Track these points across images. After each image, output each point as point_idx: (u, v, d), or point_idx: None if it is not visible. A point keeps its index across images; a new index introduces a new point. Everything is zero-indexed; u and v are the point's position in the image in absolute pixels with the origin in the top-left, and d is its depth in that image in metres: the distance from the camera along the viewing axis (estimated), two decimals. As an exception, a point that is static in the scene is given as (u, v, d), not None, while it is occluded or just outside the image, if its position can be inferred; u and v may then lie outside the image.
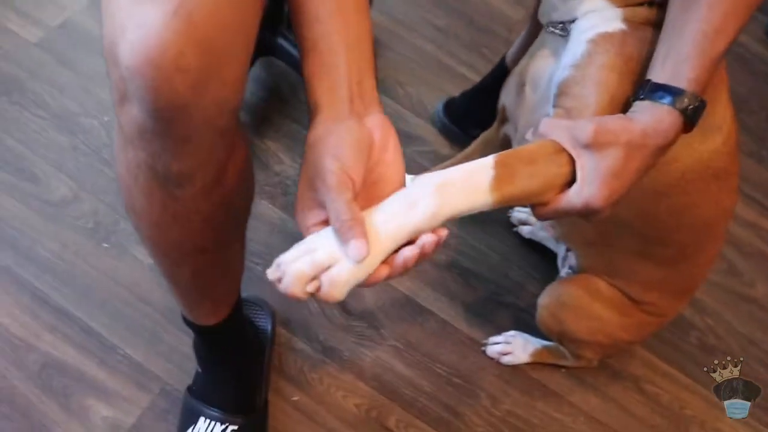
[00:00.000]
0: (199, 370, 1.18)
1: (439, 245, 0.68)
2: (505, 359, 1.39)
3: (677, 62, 0.73)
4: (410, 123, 1.66)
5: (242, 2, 0.61)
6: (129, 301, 1.33)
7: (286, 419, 1.27)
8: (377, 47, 1.75)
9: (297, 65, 1.54)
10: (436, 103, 1.67)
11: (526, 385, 1.40)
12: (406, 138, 1.62)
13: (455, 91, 1.66)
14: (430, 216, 0.67)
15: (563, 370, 1.42)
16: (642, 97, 0.75)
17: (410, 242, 0.68)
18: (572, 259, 1.26)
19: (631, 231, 1.03)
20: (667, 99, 0.72)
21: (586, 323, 1.20)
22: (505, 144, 1.13)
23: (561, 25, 0.89)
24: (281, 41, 1.53)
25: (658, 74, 0.74)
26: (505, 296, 1.48)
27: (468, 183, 0.69)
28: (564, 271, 1.32)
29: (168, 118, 0.61)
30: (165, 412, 1.24)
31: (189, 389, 1.20)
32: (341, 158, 0.66)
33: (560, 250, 1.38)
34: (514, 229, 1.54)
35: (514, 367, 1.41)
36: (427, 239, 0.67)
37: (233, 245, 0.91)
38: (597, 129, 0.71)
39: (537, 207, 0.76)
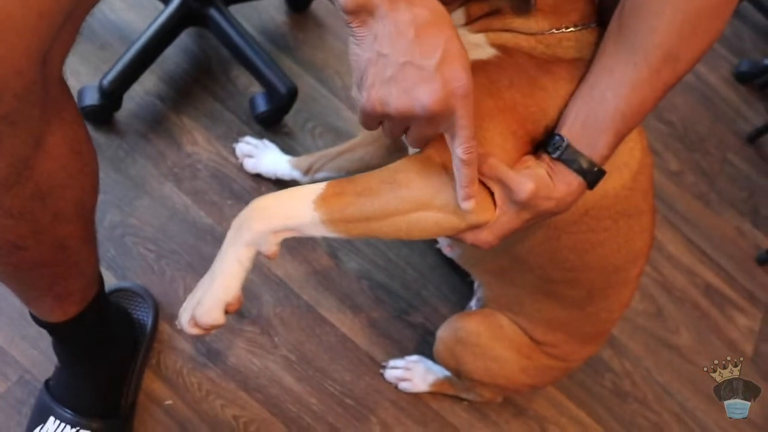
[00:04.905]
0: (58, 364, 1.07)
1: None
2: (403, 386, 1.30)
3: (595, 132, 0.75)
4: (346, 119, 1.55)
5: None
6: (-1, 275, 1.20)
7: (155, 425, 1.17)
8: (320, 32, 1.63)
9: (228, 42, 1.41)
10: (374, 101, 1.55)
11: (423, 416, 1.31)
12: (338, 136, 1.51)
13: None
14: (252, 238, 0.74)
15: (465, 402, 1.33)
16: (556, 156, 0.76)
17: None
18: (480, 290, 1.17)
19: (530, 267, 0.96)
20: (577, 165, 0.75)
21: (484, 364, 1.11)
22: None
23: None
24: (213, 12, 1.40)
25: (573, 134, 0.76)
26: (414, 316, 1.39)
27: (291, 197, 0.74)
28: (473, 301, 1.23)
29: None
30: (20, 404, 1.13)
31: (46, 383, 1.08)
32: None
33: (477, 275, 1.29)
34: (437, 245, 1.44)
35: (413, 394, 1.32)
36: None
37: (70, 242, 0.79)
38: (534, 193, 0.74)
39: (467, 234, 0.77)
